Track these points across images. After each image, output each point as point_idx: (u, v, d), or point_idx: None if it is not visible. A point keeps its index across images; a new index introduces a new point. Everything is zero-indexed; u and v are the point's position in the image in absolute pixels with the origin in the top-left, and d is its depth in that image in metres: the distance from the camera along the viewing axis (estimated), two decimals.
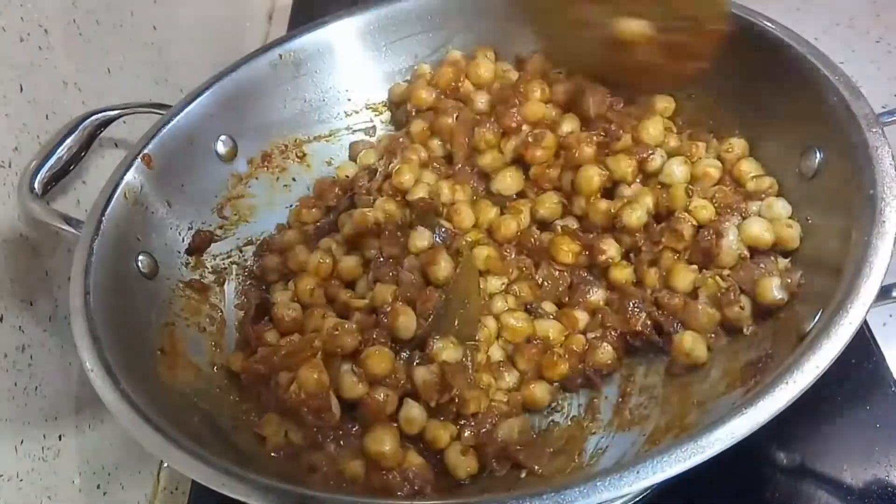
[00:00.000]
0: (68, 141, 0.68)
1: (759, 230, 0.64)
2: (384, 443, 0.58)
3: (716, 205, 0.67)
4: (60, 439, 0.64)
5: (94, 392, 0.54)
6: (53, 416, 0.64)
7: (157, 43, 0.89)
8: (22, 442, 0.60)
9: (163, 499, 0.76)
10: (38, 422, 0.62)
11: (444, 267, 0.66)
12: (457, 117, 0.79)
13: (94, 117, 0.71)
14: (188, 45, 0.98)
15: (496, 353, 0.66)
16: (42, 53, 0.68)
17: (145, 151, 0.71)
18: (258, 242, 0.80)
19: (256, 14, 1.30)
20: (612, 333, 0.65)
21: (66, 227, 0.64)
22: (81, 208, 0.72)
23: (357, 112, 0.88)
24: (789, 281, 0.60)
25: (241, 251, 0.80)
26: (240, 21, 1.22)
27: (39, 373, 0.63)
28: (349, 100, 0.87)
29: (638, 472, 0.43)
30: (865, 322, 0.56)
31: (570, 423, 0.64)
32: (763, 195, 0.67)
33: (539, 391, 0.64)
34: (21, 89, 0.65)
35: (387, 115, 0.89)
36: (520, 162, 0.75)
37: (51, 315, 0.65)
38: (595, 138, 0.71)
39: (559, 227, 0.72)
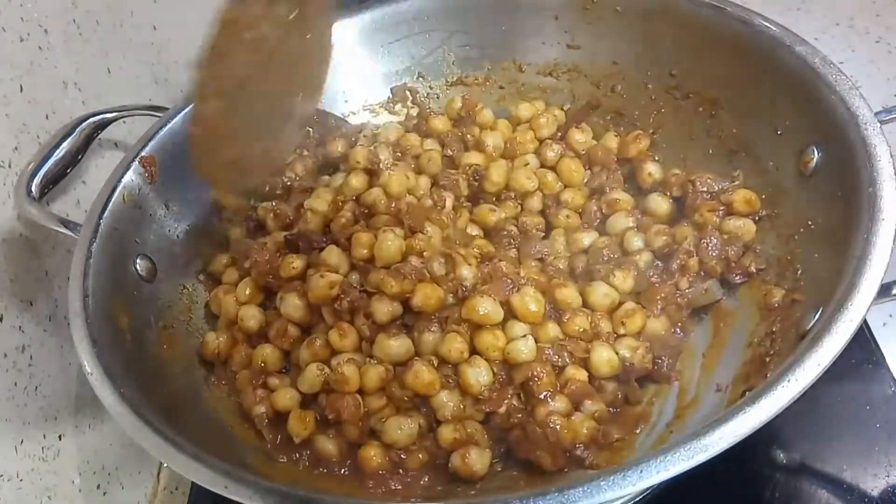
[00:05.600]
0: (65, 143, 0.68)
1: None
2: None
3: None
4: (60, 439, 0.64)
5: (93, 392, 0.54)
6: (53, 416, 0.64)
7: (157, 43, 0.88)
8: (22, 442, 0.60)
9: (163, 499, 0.76)
10: (37, 422, 0.62)
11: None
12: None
13: (91, 119, 0.71)
14: (188, 45, 0.97)
15: None
16: (42, 53, 0.68)
17: (143, 154, 0.71)
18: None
19: None
20: None
21: (63, 229, 0.64)
22: (81, 209, 0.71)
23: (354, 113, 0.88)
24: None
25: None
26: None
27: (39, 373, 0.63)
28: (346, 101, 0.87)
29: (641, 472, 0.43)
30: (865, 322, 0.56)
31: None
32: None
33: None
34: (21, 89, 0.65)
35: (384, 116, 0.88)
36: None
37: (51, 315, 0.65)
38: None
39: None
